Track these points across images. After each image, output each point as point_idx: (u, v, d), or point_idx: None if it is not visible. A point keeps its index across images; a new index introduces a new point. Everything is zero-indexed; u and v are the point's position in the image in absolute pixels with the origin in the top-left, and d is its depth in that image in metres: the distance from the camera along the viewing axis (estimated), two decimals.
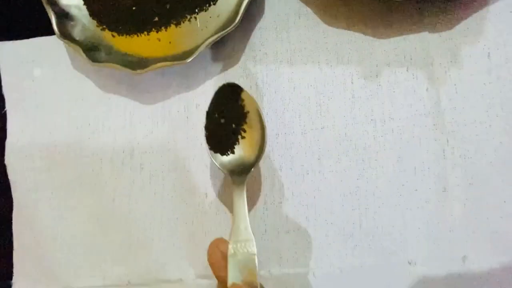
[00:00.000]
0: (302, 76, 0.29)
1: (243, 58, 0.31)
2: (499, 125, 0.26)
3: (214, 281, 0.28)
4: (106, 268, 0.30)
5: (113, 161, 0.32)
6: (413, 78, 0.28)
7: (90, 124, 0.33)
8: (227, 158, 0.26)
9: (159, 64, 0.28)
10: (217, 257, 0.22)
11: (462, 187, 0.26)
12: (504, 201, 0.25)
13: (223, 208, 0.29)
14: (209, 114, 0.27)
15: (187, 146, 0.30)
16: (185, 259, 0.29)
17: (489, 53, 0.26)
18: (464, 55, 0.27)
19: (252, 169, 0.26)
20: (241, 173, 0.25)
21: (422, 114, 0.27)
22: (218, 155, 0.26)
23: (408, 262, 0.26)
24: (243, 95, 0.26)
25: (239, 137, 0.26)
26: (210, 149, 0.26)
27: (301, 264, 0.27)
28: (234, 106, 0.27)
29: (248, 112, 0.26)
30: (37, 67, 0.34)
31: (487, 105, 0.26)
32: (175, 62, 0.28)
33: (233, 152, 0.26)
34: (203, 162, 0.30)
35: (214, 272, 0.23)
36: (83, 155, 0.32)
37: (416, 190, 0.26)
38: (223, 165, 0.26)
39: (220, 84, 0.27)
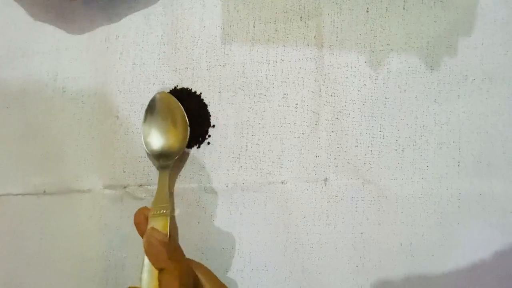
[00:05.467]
0: (212, 16, 0.42)
1: None
2: (365, 70, 0.38)
3: (119, 192, 0.41)
4: (25, 177, 0.43)
5: (37, 82, 0.44)
6: (305, 26, 0.40)
7: (20, 48, 0.45)
8: (157, 146, 0.40)
9: None
10: (141, 219, 0.36)
11: (329, 121, 0.38)
12: (360, 133, 0.38)
13: (132, 128, 0.42)
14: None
15: (105, 73, 0.43)
16: (95, 171, 0.42)
17: (367, 8, 0.38)
18: (347, 8, 0.39)
19: (176, 157, 0.39)
20: (167, 159, 0.39)
21: (308, 58, 0.39)
22: (150, 143, 0.40)
23: (281, 181, 0.38)
24: (172, 100, 0.40)
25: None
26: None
27: (195, 180, 0.40)
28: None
29: (175, 114, 0.40)
30: None
31: (358, 52, 0.38)
32: None
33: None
34: (117, 88, 0.43)
35: (138, 230, 0.36)
36: (12, 75, 0.44)
37: (295, 123, 0.39)
38: (152, 152, 0.40)
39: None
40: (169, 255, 0.31)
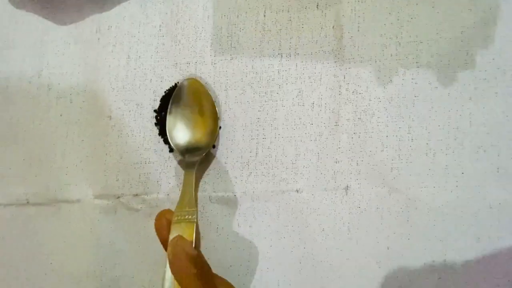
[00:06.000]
0: (217, 5, 0.38)
1: None
2: (392, 64, 0.35)
3: (111, 202, 0.37)
4: (6, 186, 0.39)
5: (20, 79, 0.40)
6: (322, 15, 0.36)
7: (0, 40, 0.41)
8: (183, 140, 0.36)
9: None
10: (162, 223, 0.32)
11: (351, 122, 0.35)
12: (386, 136, 0.34)
13: (126, 130, 0.38)
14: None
15: (96, 68, 0.39)
16: (84, 179, 0.38)
17: None
18: None
19: (204, 154, 0.35)
20: (193, 156, 0.35)
21: (326, 51, 0.36)
22: (176, 137, 0.36)
23: (296, 190, 0.35)
24: (201, 88, 0.37)
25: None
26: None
27: (199, 188, 0.36)
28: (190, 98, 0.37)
29: (204, 104, 0.36)
30: None
31: (383, 45, 0.35)
32: None
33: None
34: (109, 85, 0.39)
35: (159, 236, 0.32)
36: None
37: (311, 124, 0.35)
38: (178, 147, 0.36)
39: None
40: (197, 272, 0.28)
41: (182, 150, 0.36)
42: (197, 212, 0.32)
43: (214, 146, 0.37)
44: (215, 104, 0.37)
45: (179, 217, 0.31)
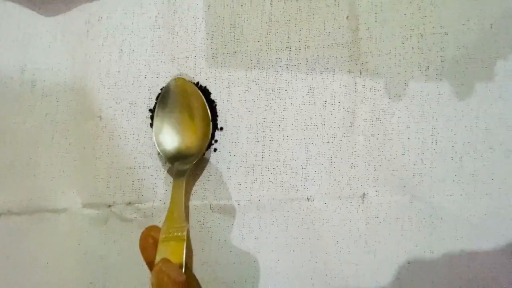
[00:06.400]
0: None
1: None
2: (413, 58, 0.32)
3: (102, 211, 0.34)
4: None
5: (1, 75, 0.38)
6: (335, 4, 0.33)
7: None
8: (171, 147, 0.33)
9: None
10: (148, 243, 0.29)
11: (368, 122, 0.32)
12: (408, 138, 0.31)
13: (118, 132, 0.36)
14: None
15: (85, 63, 0.37)
16: (72, 186, 0.35)
17: None
18: None
19: (195, 161, 0.33)
20: (184, 163, 0.33)
21: (339, 44, 0.33)
22: (163, 143, 0.34)
23: (307, 198, 0.32)
24: (190, 89, 0.34)
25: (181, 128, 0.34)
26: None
27: (198, 196, 0.33)
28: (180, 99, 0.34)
29: (194, 106, 0.34)
30: None
31: (404, 37, 0.32)
32: None
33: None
34: (100, 82, 0.36)
35: (144, 258, 0.29)
36: None
37: (324, 124, 0.32)
38: (166, 153, 0.33)
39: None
40: None
41: (171, 158, 0.33)
42: (187, 227, 0.29)
43: (215, 150, 0.34)
44: (206, 105, 0.34)
45: (167, 234, 0.28)
